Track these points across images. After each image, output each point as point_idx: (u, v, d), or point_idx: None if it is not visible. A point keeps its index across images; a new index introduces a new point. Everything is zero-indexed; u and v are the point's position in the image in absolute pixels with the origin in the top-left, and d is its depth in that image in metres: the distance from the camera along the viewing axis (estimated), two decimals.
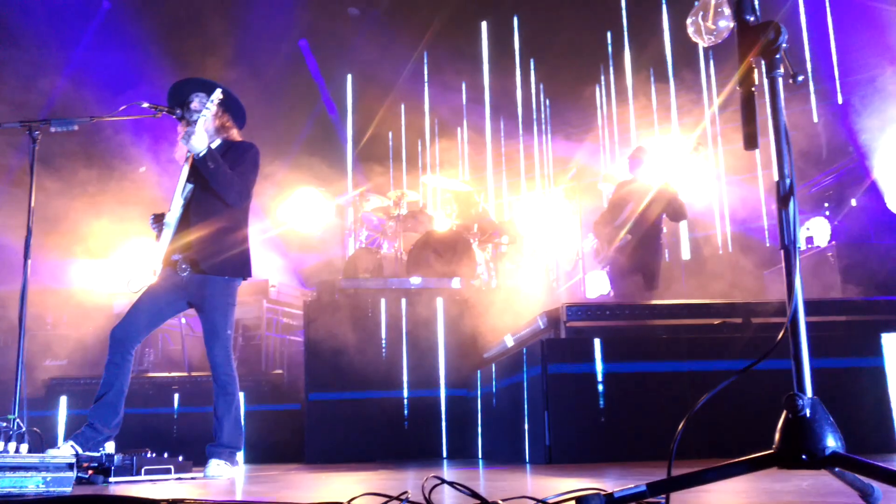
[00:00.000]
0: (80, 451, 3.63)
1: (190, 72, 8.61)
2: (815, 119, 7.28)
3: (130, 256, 8.11)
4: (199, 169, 3.89)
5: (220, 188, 3.92)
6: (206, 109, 3.90)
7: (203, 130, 3.86)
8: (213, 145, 4.02)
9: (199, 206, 3.97)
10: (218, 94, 3.92)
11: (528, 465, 3.95)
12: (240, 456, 4.10)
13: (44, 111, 8.71)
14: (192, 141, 3.81)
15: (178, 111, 4.05)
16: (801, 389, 1.53)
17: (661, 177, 6.29)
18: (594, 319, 4.11)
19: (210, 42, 8.72)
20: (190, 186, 3.96)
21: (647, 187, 6.15)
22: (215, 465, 3.88)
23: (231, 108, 4.15)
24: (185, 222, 3.95)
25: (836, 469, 1.49)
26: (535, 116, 10.91)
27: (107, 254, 8.13)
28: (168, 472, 3.60)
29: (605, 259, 6.33)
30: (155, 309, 3.97)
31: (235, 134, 4.17)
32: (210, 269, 3.93)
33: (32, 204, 3.62)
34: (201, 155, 3.84)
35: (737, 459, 1.53)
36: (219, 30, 8.86)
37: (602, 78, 10.06)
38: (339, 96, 11.47)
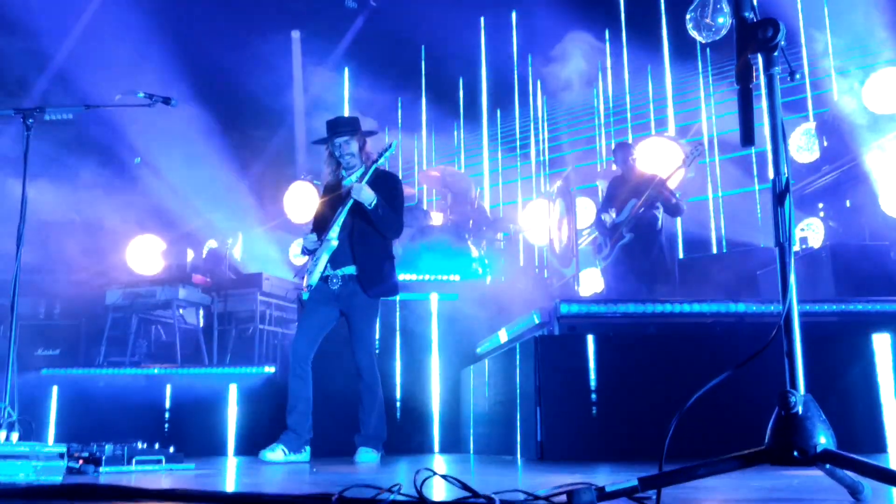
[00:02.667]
0: (287, 451, 4.23)
1: (187, 61, 8.61)
2: (811, 118, 7.29)
3: (129, 247, 8.10)
4: (368, 214, 4.30)
5: (382, 228, 4.37)
6: (372, 167, 4.34)
7: (368, 187, 4.27)
8: (359, 174, 4.42)
9: (361, 231, 4.37)
10: (389, 154, 4.38)
11: (519, 461, 3.96)
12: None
13: (39, 99, 8.67)
14: (363, 196, 4.25)
15: (173, 101, 4.02)
16: (794, 386, 1.53)
17: (655, 173, 6.29)
18: (588, 316, 4.11)
19: (207, 31, 8.68)
20: (347, 212, 4.32)
21: (643, 184, 6.16)
22: (364, 453, 4.30)
23: (368, 135, 4.59)
24: (342, 244, 4.36)
25: (827, 466, 1.50)
26: (531, 113, 10.89)
27: (102, 245, 8.09)
28: (159, 462, 3.59)
29: (606, 255, 6.34)
30: (319, 322, 4.42)
31: (374, 156, 4.51)
32: (367, 290, 4.35)
33: (26, 192, 3.61)
34: (373, 206, 4.27)
35: (728, 455, 1.54)
36: (215, 19, 8.82)
37: (600, 74, 10.05)
38: (336, 89, 11.43)
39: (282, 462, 4.18)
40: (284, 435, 4.32)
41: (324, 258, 4.35)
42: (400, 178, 4.67)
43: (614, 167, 6.49)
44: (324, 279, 4.39)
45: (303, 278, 4.47)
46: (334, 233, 4.33)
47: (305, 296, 4.43)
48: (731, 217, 8.27)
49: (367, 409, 4.40)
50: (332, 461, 4.37)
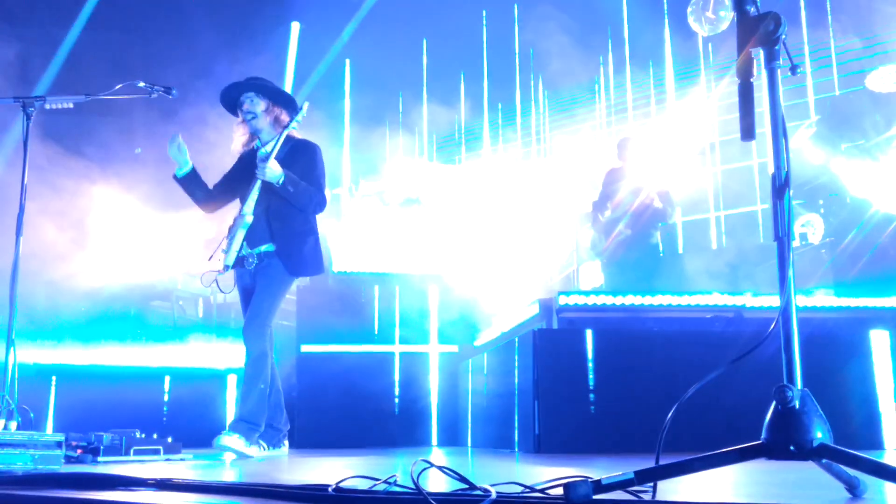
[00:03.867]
0: (267, 446, 3.98)
1: (186, 52, 8.60)
2: (813, 114, 7.29)
3: (125, 238, 8.09)
4: (279, 192, 3.93)
5: (299, 205, 3.99)
6: (282, 134, 3.95)
7: (275, 162, 3.88)
8: (272, 143, 4.01)
9: (278, 206, 4.00)
10: (302, 115, 3.95)
11: (517, 454, 3.96)
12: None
13: (40, 88, 8.65)
14: (268, 173, 3.86)
15: (173, 91, 4.01)
16: (791, 381, 1.53)
17: (653, 168, 6.28)
18: (586, 310, 4.12)
19: (205, 21, 8.66)
20: (262, 187, 3.96)
21: (641, 179, 6.14)
22: (226, 436, 3.77)
23: (281, 98, 4.14)
24: (258, 221, 3.99)
25: (824, 461, 1.50)
26: (533, 107, 10.88)
27: (100, 236, 8.08)
28: (157, 452, 3.60)
29: (602, 251, 6.33)
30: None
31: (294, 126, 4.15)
32: (287, 266, 4.00)
33: (25, 180, 3.61)
34: (280, 183, 3.89)
35: (725, 449, 1.54)
36: (214, 9, 8.80)
37: (601, 69, 10.04)
38: (336, 81, 11.42)
39: (262, 457, 3.90)
40: (266, 430, 4.03)
41: (239, 235, 3.98)
42: (320, 147, 4.21)
43: (620, 163, 6.48)
44: (240, 260, 4.03)
45: (219, 259, 4.07)
46: (248, 208, 3.95)
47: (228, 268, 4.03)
48: (731, 209, 8.27)
49: (248, 389, 3.92)
50: (333, 453, 4.37)
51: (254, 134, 4.09)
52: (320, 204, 4.07)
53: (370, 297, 5.84)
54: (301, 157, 4.07)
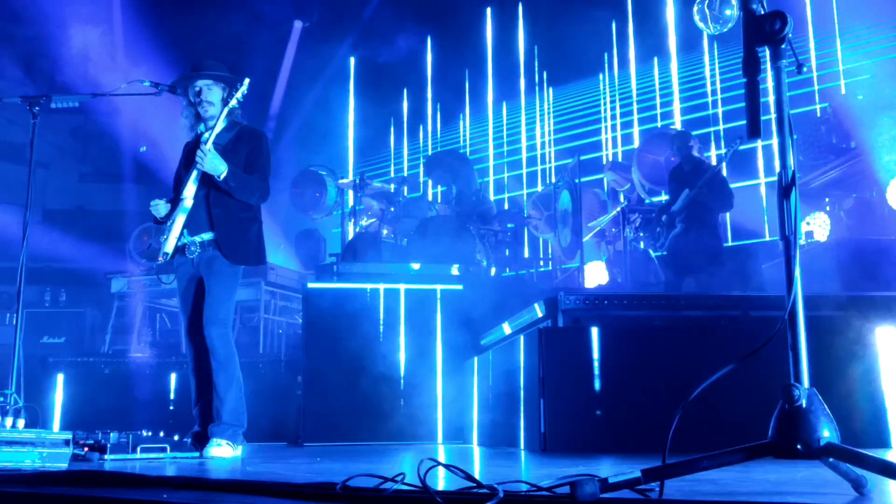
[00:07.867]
0: (233, 445, 3.82)
1: (186, 50, 8.60)
2: (818, 112, 7.26)
3: (129, 236, 8.11)
4: (221, 185, 3.84)
5: (243, 197, 3.92)
6: (220, 117, 3.90)
7: (216, 153, 3.80)
8: (221, 127, 3.94)
9: (218, 192, 3.91)
10: (242, 92, 3.90)
11: (523, 452, 3.97)
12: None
13: (47, 88, 8.67)
14: (209, 165, 3.76)
15: (178, 90, 4.03)
16: (798, 380, 1.53)
17: (711, 162, 6.25)
18: (592, 308, 4.10)
19: (207, 18, 8.67)
20: (201, 172, 3.87)
21: (698, 173, 6.10)
22: (216, 446, 3.80)
23: (233, 83, 4.04)
24: (198, 207, 3.90)
25: (831, 460, 1.50)
26: (537, 105, 10.86)
27: (107, 233, 8.11)
28: (164, 450, 3.62)
29: (662, 244, 6.31)
30: (194, 298, 3.99)
31: (239, 113, 4.11)
32: (228, 256, 3.90)
33: (31, 180, 3.62)
34: (222, 177, 3.80)
35: (732, 448, 1.54)
36: (218, 6, 8.81)
37: (606, 67, 10.02)
38: (341, 79, 11.43)
39: (230, 457, 3.79)
40: (216, 427, 3.88)
41: (179, 221, 3.83)
42: (267, 135, 4.15)
43: (672, 158, 6.48)
44: (180, 248, 3.90)
45: (156, 249, 3.98)
46: (188, 192, 3.82)
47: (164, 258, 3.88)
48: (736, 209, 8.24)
49: (222, 392, 3.87)
50: (346, 449, 4.38)
51: (205, 121, 4.00)
52: (264, 195, 4.01)
53: (375, 296, 5.84)
54: (247, 144, 4.02)
